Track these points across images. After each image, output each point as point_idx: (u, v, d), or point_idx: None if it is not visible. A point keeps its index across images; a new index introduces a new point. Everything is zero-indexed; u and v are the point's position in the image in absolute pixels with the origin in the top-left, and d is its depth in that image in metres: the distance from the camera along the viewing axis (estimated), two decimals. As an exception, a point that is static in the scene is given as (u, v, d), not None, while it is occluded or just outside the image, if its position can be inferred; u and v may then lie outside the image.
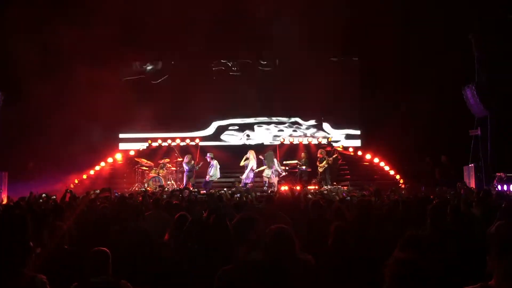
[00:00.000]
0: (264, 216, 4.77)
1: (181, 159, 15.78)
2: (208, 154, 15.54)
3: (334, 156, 15.73)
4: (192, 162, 15.46)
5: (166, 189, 13.60)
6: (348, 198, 8.47)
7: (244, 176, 14.90)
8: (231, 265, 2.85)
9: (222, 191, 11.42)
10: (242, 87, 18.22)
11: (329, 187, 14.23)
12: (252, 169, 14.95)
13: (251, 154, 15.12)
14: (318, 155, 15.77)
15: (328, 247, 4.37)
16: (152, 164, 15.99)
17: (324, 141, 17.94)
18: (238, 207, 6.70)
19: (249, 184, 14.50)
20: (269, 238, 2.90)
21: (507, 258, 2.01)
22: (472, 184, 14.22)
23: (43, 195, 9.52)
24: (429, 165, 15.82)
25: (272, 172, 14.88)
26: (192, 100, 17.85)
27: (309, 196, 8.88)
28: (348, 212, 6.18)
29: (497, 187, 12.91)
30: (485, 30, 14.89)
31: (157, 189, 13.21)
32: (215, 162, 15.08)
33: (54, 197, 9.25)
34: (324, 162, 15.44)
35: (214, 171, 14.98)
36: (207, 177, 14.99)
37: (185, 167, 15.28)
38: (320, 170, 15.51)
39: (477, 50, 15.10)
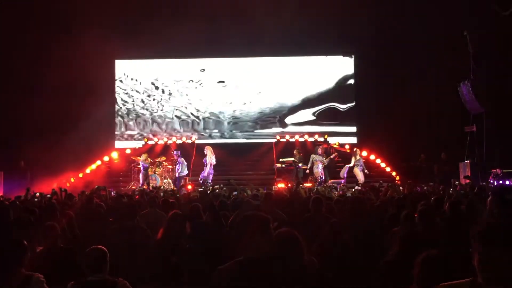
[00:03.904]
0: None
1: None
2: (175, 151, 15.56)
3: (331, 156, 15.71)
4: (149, 160, 15.42)
5: (162, 187, 13.60)
6: (349, 194, 8.48)
7: (205, 173, 14.84)
8: (228, 263, 2.81)
9: (217, 187, 11.39)
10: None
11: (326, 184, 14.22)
12: (211, 164, 14.93)
13: (208, 150, 15.12)
14: (319, 152, 15.74)
15: (324, 243, 4.38)
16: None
17: (320, 139, 17.93)
18: (234, 204, 6.70)
19: (209, 180, 14.52)
20: (277, 241, 2.83)
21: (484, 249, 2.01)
22: (467, 181, 14.26)
23: (37, 194, 9.47)
24: (424, 162, 15.86)
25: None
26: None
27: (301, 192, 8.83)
28: (344, 208, 6.20)
29: (492, 183, 12.96)
30: (480, 26, 14.92)
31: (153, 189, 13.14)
32: (181, 160, 15.09)
33: (49, 196, 9.20)
34: (324, 159, 15.44)
35: (182, 168, 14.99)
36: (177, 173, 15.00)
37: (142, 165, 15.21)
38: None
39: (472, 46, 15.12)
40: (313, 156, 15.26)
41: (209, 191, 9.23)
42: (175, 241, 4.74)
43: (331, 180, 14.92)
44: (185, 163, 15.27)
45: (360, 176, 14.79)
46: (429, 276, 2.55)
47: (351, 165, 15.16)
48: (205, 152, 15.20)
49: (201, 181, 14.44)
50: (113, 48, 16.25)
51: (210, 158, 14.98)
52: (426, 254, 2.68)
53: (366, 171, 15.14)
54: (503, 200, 5.17)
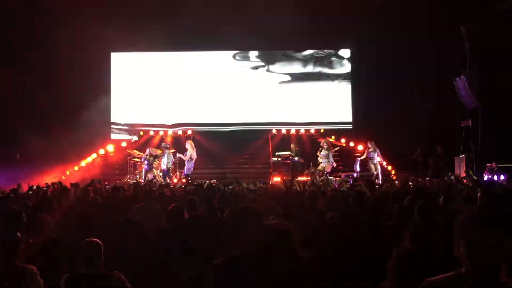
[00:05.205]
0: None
1: (173, 150, 15.72)
2: (162, 144, 15.50)
3: (333, 150, 15.70)
4: (152, 154, 15.33)
5: (155, 180, 13.58)
6: (344, 188, 8.51)
7: (185, 169, 14.72)
8: (222, 258, 2.81)
9: (213, 181, 11.40)
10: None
11: (322, 177, 14.22)
12: (191, 159, 14.79)
13: (189, 144, 15.02)
14: (321, 145, 15.76)
15: (322, 237, 4.38)
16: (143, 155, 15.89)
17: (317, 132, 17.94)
18: (229, 198, 6.69)
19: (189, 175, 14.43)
20: (268, 234, 2.82)
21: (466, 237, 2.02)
22: (463, 174, 14.33)
23: (34, 187, 9.43)
24: (420, 156, 15.91)
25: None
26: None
27: (297, 187, 8.85)
28: (341, 202, 6.21)
29: (487, 177, 13.04)
30: (477, 21, 14.93)
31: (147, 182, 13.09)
32: (166, 152, 15.00)
33: (45, 188, 9.18)
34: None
35: (167, 160, 14.93)
36: (164, 166, 14.88)
37: (145, 161, 15.14)
38: (320, 160, 15.51)
39: (468, 41, 15.14)
40: None
41: (205, 185, 9.23)
42: (173, 234, 4.73)
43: (344, 174, 14.87)
44: (170, 156, 15.05)
45: (373, 170, 14.66)
46: (404, 271, 2.53)
47: (362, 157, 15.15)
48: (186, 146, 15.00)
49: (185, 176, 14.33)
50: (108, 40, 16.13)
51: (191, 153, 14.87)
52: (403, 248, 2.66)
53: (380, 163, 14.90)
54: (492, 194, 5.25)
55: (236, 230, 2.82)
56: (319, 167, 14.96)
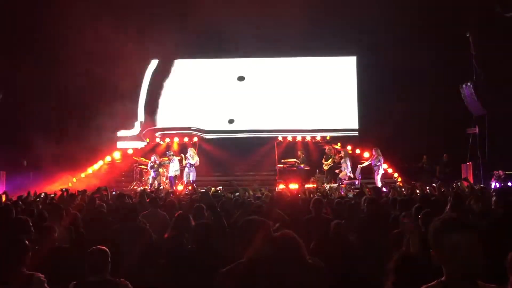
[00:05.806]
0: (261, 213, 4.78)
1: (180, 157, 15.76)
2: (167, 152, 15.55)
3: (337, 157, 15.64)
4: (157, 162, 15.40)
5: (162, 187, 13.63)
6: (351, 195, 8.48)
7: (191, 176, 14.76)
8: (230, 266, 2.81)
9: (219, 188, 11.41)
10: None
11: (329, 185, 14.18)
12: (194, 166, 14.82)
13: (192, 151, 15.03)
14: (326, 151, 15.72)
15: (328, 244, 4.38)
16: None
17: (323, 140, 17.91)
18: (236, 205, 6.70)
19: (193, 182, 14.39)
20: (275, 246, 2.82)
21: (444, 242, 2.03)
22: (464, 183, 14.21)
23: (42, 194, 9.46)
24: (426, 163, 15.84)
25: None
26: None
27: (303, 194, 8.83)
28: (348, 209, 6.19)
29: (495, 185, 12.93)
30: (483, 28, 14.90)
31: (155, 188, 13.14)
32: (173, 158, 15.14)
33: (53, 195, 9.22)
34: (330, 160, 15.40)
35: (174, 167, 14.97)
36: (172, 173, 14.94)
37: (151, 167, 15.20)
38: (326, 168, 15.47)
39: (474, 48, 15.10)
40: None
41: (210, 192, 9.24)
42: (180, 241, 4.74)
43: (346, 181, 14.86)
44: (177, 163, 15.15)
45: (376, 179, 14.58)
46: (402, 276, 2.53)
47: (364, 165, 15.11)
48: (189, 153, 15.04)
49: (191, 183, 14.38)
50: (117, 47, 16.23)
51: (197, 159, 14.87)
52: (402, 253, 2.66)
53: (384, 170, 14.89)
54: (506, 201, 5.21)
55: (244, 241, 2.83)
56: (341, 175, 14.88)
